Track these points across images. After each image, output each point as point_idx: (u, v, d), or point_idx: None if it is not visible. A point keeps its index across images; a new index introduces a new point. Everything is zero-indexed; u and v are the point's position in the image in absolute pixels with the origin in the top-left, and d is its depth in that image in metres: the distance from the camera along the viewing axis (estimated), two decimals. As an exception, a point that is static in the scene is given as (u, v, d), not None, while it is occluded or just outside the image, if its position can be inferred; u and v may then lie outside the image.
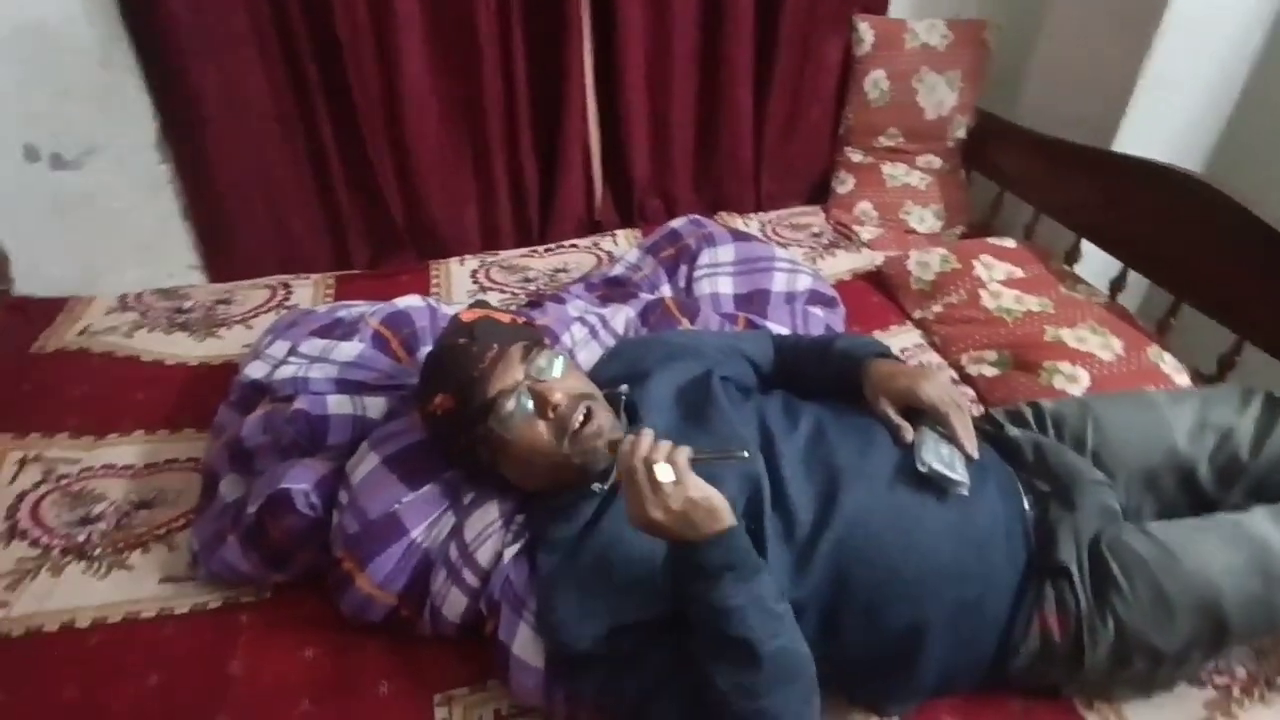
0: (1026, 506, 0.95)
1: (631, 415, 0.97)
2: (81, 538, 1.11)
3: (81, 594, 1.04)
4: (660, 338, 1.15)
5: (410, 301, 1.25)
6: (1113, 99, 1.64)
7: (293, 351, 1.13)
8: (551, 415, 0.86)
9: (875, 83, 1.86)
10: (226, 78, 1.46)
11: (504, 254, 1.80)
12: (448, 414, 0.88)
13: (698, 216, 1.65)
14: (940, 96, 1.84)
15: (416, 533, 0.94)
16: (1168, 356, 1.35)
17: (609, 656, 0.82)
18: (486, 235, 1.82)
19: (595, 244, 1.84)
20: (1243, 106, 1.67)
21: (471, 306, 0.99)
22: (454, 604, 0.93)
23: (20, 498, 1.17)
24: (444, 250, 1.78)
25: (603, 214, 1.90)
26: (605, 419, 0.90)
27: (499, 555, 0.92)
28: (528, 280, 1.71)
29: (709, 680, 0.75)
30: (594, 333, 1.25)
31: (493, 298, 1.65)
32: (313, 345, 1.12)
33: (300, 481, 0.97)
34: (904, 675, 0.87)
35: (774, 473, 0.91)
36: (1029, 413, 1.06)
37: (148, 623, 1.01)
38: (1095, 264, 1.65)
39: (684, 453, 0.76)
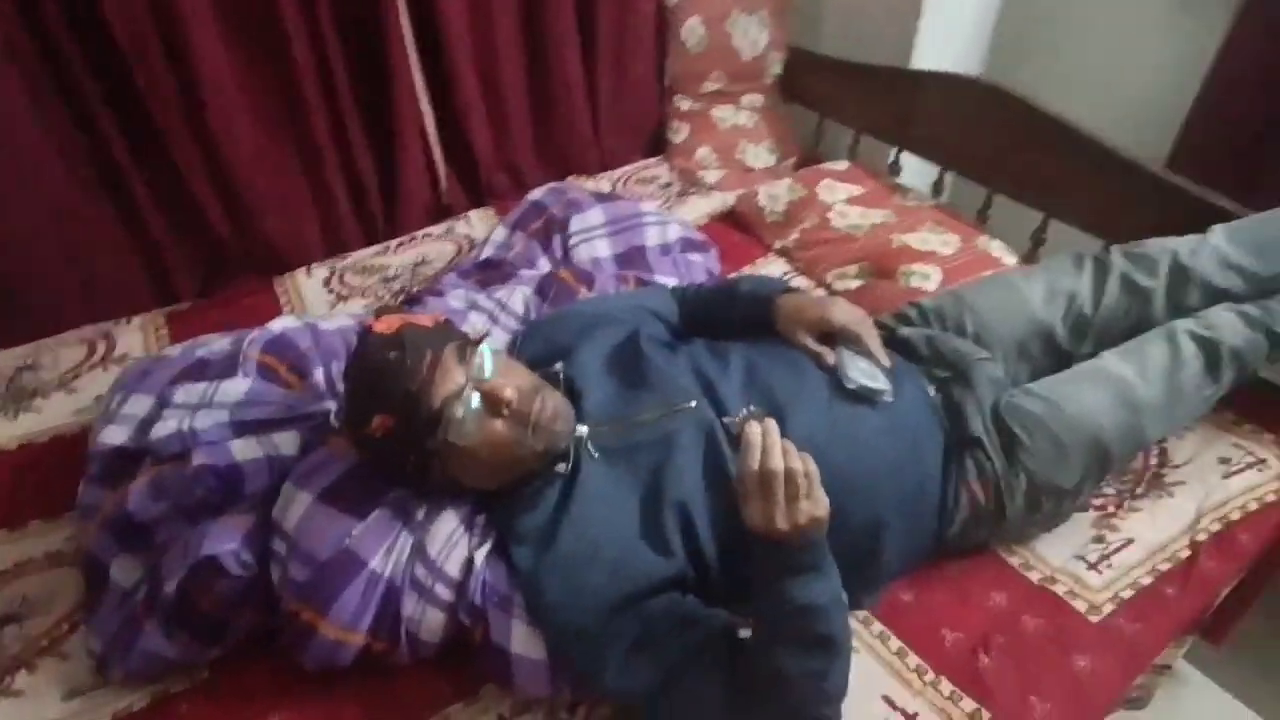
0: (932, 393, 1.06)
1: (570, 391, 0.96)
2: (-59, 678, 0.92)
3: (-33, 739, 0.88)
4: (572, 310, 1.13)
5: (285, 323, 1.14)
6: (902, 20, 1.81)
7: (164, 404, 0.99)
8: (507, 412, 0.83)
9: (691, 30, 1.91)
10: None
11: (354, 256, 1.68)
12: (390, 434, 0.83)
13: (556, 184, 1.63)
14: (754, 37, 1.93)
15: (374, 563, 0.87)
16: (995, 242, 1.54)
17: (618, 640, 0.82)
18: (329, 239, 1.68)
19: (450, 229, 1.75)
20: (1005, 12, 1.90)
21: (378, 314, 0.92)
22: (432, 624, 0.89)
23: None
24: (284, 264, 1.63)
25: (450, 196, 1.81)
26: (559, 402, 0.88)
27: (470, 561, 0.89)
28: (388, 280, 1.61)
29: (775, 664, 0.76)
30: (494, 319, 1.21)
31: (355, 304, 1.54)
32: (189, 392, 0.99)
33: (226, 542, 0.87)
34: (871, 568, 0.95)
35: (722, 413, 0.94)
36: (913, 313, 1.18)
37: (64, 749, 0.88)
38: (915, 172, 1.83)
39: (811, 462, 0.74)
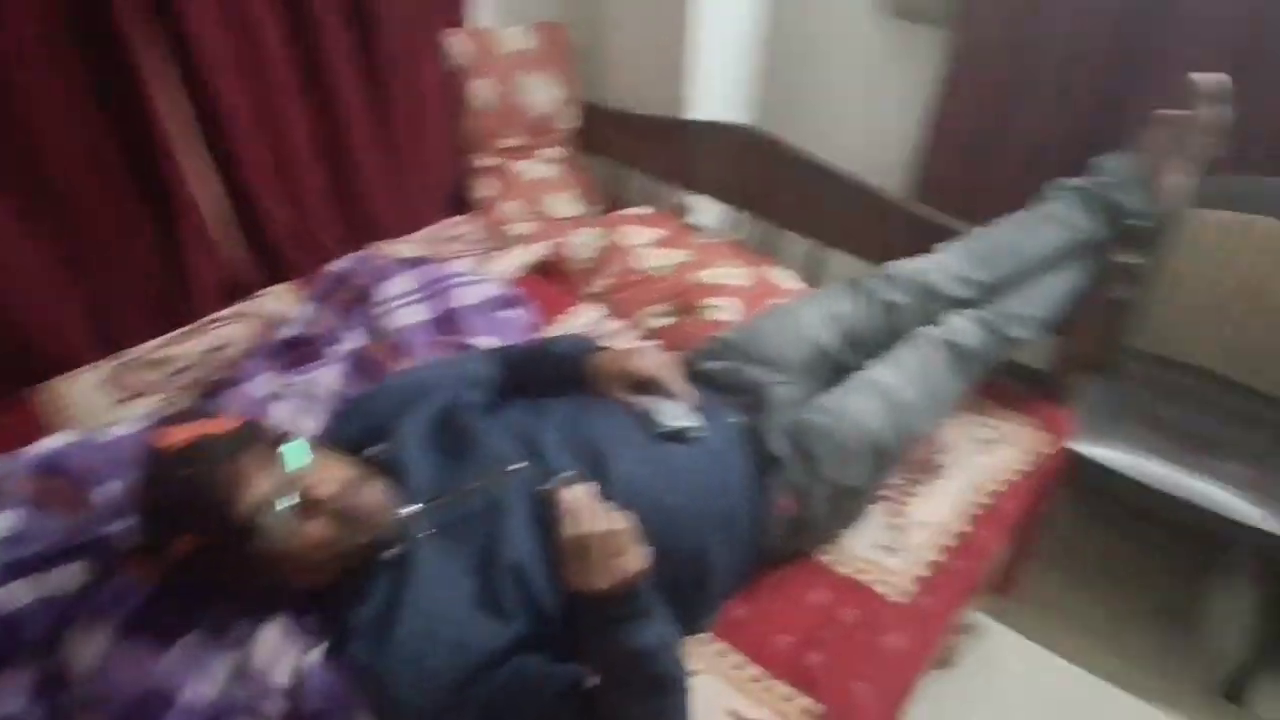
0: (736, 423, 1.15)
1: (393, 471, 0.95)
2: None
3: None
4: (387, 385, 1.12)
5: (54, 441, 1.03)
6: (674, 76, 1.96)
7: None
8: (325, 510, 0.82)
9: (480, 91, 1.95)
10: None
11: (135, 351, 1.53)
12: (195, 554, 0.78)
13: (360, 254, 1.59)
14: (543, 95, 2.01)
15: (188, 693, 0.81)
16: (781, 271, 1.71)
17: (470, 715, 0.82)
18: (102, 334, 1.52)
19: (246, 310, 1.66)
20: (775, 62, 2.12)
21: (160, 425, 0.87)
22: (267, 744, 0.84)
23: None
24: (45, 369, 1.45)
25: (245, 275, 1.71)
26: (379, 490, 0.88)
27: (298, 670, 0.85)
28: (180, 372, 1.49)
29: (617, 712, 0.79)
30: (303, 404, 1.17)
31: (142, 404, 1.41)
32: (-61, 539, 0.87)
33: (9, 705, 0.77)
34: (702, 593, 1.02)
35: (547, 469, 0.97)
36: (715, 347, 1.29)
37: None
38: (708, 212, 1.99)
39: (626, 519, 0.78)
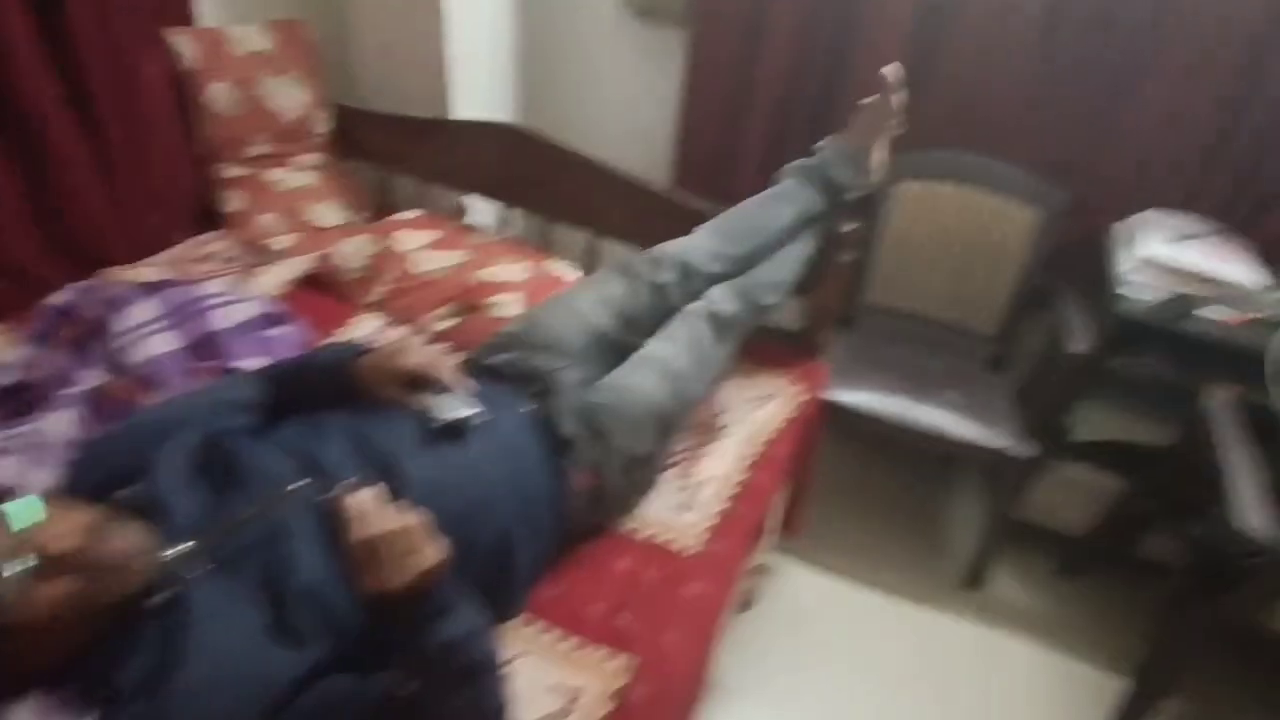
0: (525, 410, 1.18)
1: (149, 513, 0.86)
2: None
3: None
4: (133, 422, 1.00)
5: None
6: (434, 74, 1.94)
7: None
8: (70, 565, 0.73)
9: (217, 95, 1.80)
10: None
11: None
12: None
13: (85, 283, 1.41)
14: (290, 98, 1.89)
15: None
16: (560, 263, 1.77)
17: None
18: None
19: (-59, 361, 1.40)
20: (532, 60, 2.16)
21: None
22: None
23: None
24: None
25: (-69, 322, 1.44)
26: (133, 534, 0.80)
27: (62, 748, 0.75)
28: None
29: (437, 708, 0.78)
30: (33, 456, 1.02)
31: None
32: None
33: None
34: (509, 578, 1.04)
35: (332, 484, 0.94)
36: (498, 341, 1.31)
37: None
38: (482, 211, 1.99)
39: (417, 515, 0.77)
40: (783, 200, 1.50)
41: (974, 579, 1.91)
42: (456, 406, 1.05)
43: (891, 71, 1.46)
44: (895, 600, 1.87)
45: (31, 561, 0.72)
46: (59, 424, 1.08)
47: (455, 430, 1.04)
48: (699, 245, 1.44)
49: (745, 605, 1.62)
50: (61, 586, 0.74)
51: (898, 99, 1.48)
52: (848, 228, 1.55)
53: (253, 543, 0.87)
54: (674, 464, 1.38)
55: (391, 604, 0.79)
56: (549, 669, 1.06)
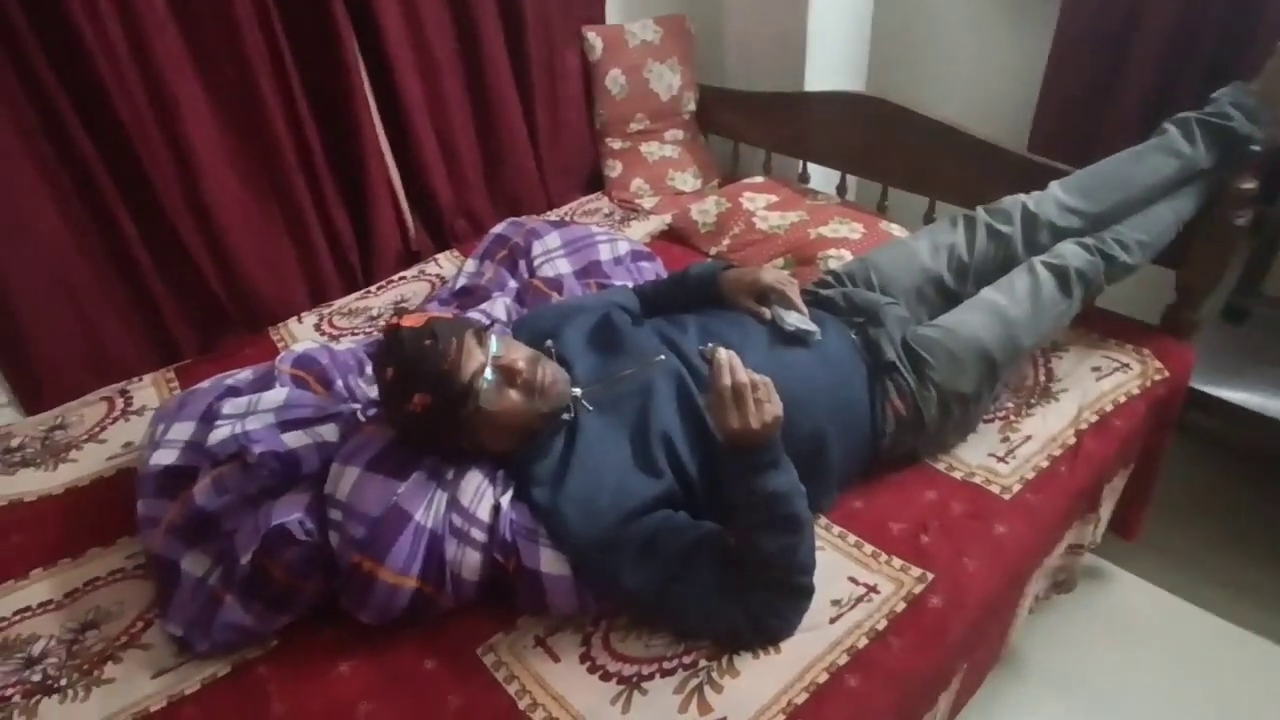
0: (853, 335, 1.29)
1: (560, 363, 1.16)
2: (36, 677, 1.04)
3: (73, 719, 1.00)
4: (551, 307, 1.35)
5: (305, 346, 1.32)
6: (791, 52, 2.12)
7: (213, 418, 1.15)
8: (519, 381, 1.03)
9: (614, 80, 2.19)
10: (3, 198, 1.38)
11: (338, 302, 1.86)
12: (428, 409, 1.01)
13: (515, 219, 1.85)
14: (668, 81, 2.23)
15: (418, 515, 1.04)
16: (894, 226, 1.82)
17: (628, 547, 1.00)
18: (314, 290, 1.85)
19: (421, 271, 1.95)
20: (877, 35, 2.24)
21: (408, 314, 1.12)
22: (471, 564, 1.05)
23: (-61, 670, 1.06)
24: (274, 315, 1.79)
25: (418, 244, 2.02)
26: (554, 370, 1.09)
27: (497, 506, 1.07)
28: (372, 319, 1.79)
29: (755, 546, 0.95)
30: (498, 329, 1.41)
31: (346, 342, 1.71)
32: (235, 405, 1.16)
33: (292, 513, 1.03)
34: (819, 470, 1.16)
35: (686, 364, 1.16)
36: (830, 278, 1.43)
37: (162, 713, 1.00)
38: (821, 177, 2.13)
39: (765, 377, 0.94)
40: (1162, 152, 1.37)
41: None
42: (801, 321, 1.21)
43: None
44: (1252, 635, 1.59)
45: (498, 375, 1.04)
46: (499, 306, 1.48)
47: (795, 338, 1.20)
48: (1052, 197, 1.40)
49: (1062, 587, 1.52)
50: (513, 396, 1.05)
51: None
52: (1245, 185, 1.37)
53: (627, 394, 1.12)
54: (999, 416, 1.37)
55: (737, 450, 0.95)
56: (847, 563, 1.15)
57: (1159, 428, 1.49)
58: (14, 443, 1.46)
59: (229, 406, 1.15)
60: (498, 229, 1.81)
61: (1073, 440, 1.33)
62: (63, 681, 1.04)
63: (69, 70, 1.38)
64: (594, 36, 2.15)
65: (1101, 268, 1.34)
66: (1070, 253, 1.34)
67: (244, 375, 1.31)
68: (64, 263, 1.50)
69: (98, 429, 1.49)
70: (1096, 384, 1.43)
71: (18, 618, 1.14)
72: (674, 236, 2.04)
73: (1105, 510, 1.50)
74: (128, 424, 1.50)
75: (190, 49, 1.53)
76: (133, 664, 1.06)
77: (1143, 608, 1.68)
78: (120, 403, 1.56)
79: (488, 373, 1.02)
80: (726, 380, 0.93)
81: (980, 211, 1.44)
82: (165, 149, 1.53)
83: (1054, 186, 1.43)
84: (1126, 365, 1.46)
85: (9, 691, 1.03)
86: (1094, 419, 1.37)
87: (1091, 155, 1.56)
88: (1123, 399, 1.40)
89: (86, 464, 1.41)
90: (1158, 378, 1.45)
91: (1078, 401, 1.39)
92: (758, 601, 0.99)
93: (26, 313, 1.48)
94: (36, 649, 1.08)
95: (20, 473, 1.39)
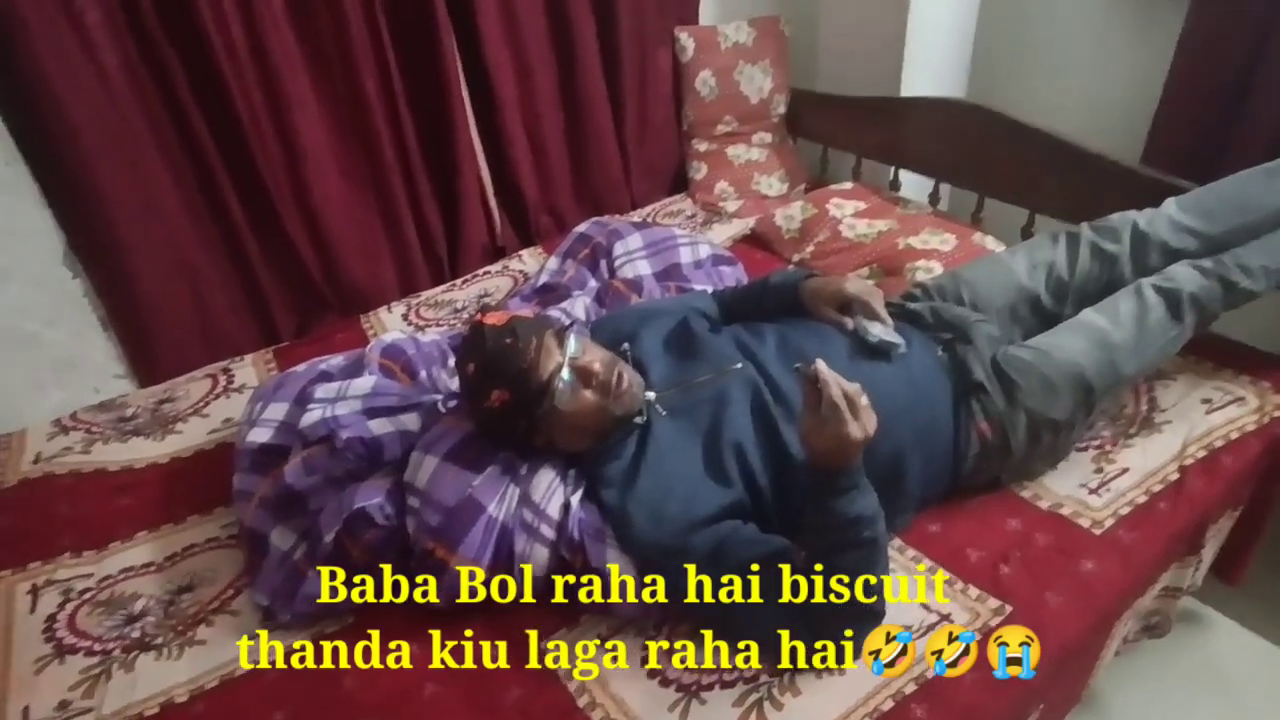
0: (940, 352, 1.25)
1: (636, 367, 1.17)
2: (135, 634, 1.13)
3: (165, 677, 1.07)
4: (630, 309, 1.36)
5: (394, 336, 1.38)
6: (889, 56, 2.06)
7: (306, 401, 1.21)
8: (595, 383, 1.05)
9: (704, 81, 2.18)
10: (133, 180, 1.49)
11: (425, 294, 1.92)
12: (505, 405, 1.04)
13: (597, 218, 1.87)
14: (758, 84, 2.20)
15: (491, 508, 1.07)
16: (988, 238, 1.75)
17: (693, 555, 1.00)
18: (403, 281, 1.93)
19: (505, 267, 2.00)
20: (981, 38, 2.15)
21: (491, 312, 1.15)
22: (538, 558, 1.07)
23: (51, 620, 1.15)
24: (366, 303, 1.87)
25: (504, 239, 2.07)
26: (630, 374, 1.10)
27: (567, 505, 1.09)
28: (456, 311, 1.84)
29: (829, 567, 0.91)
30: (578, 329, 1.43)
31: (431, 332, 1.77)
32: (326, 390, 1.22)
33: (373, 497, 1.08)
34: (897, 492, 1.12)
35: (763, 374, 1.14)
36: (918, 291, 1.38)
37: (245, 677, 1.07)
38: (912, 184, 2.06)
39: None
40: (1289, 173, 1.27)
41: None
42: (885, 333, 1.17)
43: None
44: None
45: (574, 376, 1.05)
46: (578, 305, 1.50)
47: (879, 351, 1.17)
48: (1166, 216, 1.31)
49: (1154, 630, 1.43)
50: (589, 396, 1.06)
51: None
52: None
53: (702, 401, 1.12)
54: (1093, 445, 1.30)
55: (820, 471, 0.92)
56: (920, 590, 1.12)
57: (1275, 468, 1.37)
58: (128, 412, 1.58)
59: (321, 391, 1.21)
60: (581, 228, 1.83)
61: (1175, 476, 1.24)
62: (159, 640, 1.12)
63: (194, 66, 1.48)
64: (686, 37, 2.15)
65: (1219, 294, 1.25)
66: (1184, 276, 1.25)
67: (337, 361, 1.38)
68: (183, 246, 1.61)
69: (202, 404, 1.59)
70: (1206, 417, 1.33)
71: (123, 576, 1.23)
72: (756, 241, 2.02)
73: (1208, 553, 1.40)
74: (229, 400, 1.60)
75: (303, 48, 1.61)
76: (222, 628, 1.13)
77: (1241, 656, 1.56)
78: (223, 380, 1.66)
79: (564, 373, 1.04)
80: (837, 391, 0.88)
81: (1085, 228, 1.36)
82: (276, 144, 1.62)
83: (1169, 204, 1.34)
84: (1242, 399, 1.36)
85: (110, 646, 1.11)
86: (1201, 454, 1.27)
87: (1212, 174, 1.46)
88: (1235, 435, 1.30)
89: (190, 436, 1.51)
90: (1278, 414, 1.34)
91: (1183, 435, 1.30)
92: (824, 621, 0.97)
93: (148, 291, 1.60)
94: (137, 607, 1.17)
95: (131, 440, 1.50)
